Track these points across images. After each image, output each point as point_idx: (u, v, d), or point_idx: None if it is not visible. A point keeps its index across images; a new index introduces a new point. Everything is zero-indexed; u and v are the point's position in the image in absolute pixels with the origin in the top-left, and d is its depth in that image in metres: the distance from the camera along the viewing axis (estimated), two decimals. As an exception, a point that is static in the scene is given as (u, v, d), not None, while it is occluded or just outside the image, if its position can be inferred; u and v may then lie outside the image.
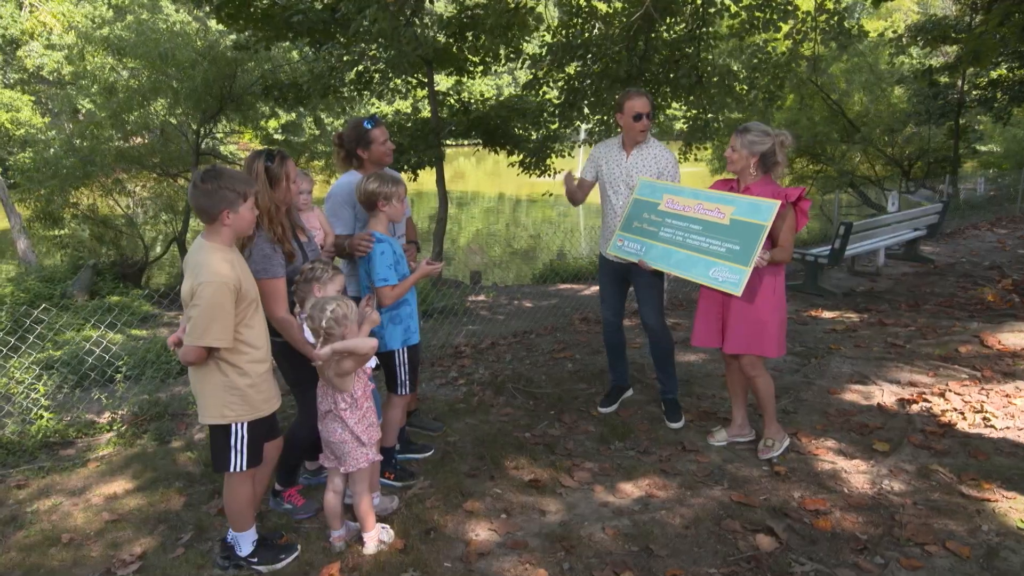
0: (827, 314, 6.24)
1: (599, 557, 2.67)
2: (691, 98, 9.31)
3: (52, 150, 9.87)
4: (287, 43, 8.37)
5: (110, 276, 9.35)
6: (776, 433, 3.50)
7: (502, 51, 9.02)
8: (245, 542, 2.69)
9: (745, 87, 8.69)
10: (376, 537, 2.77)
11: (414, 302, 3.26)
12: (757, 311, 3.23)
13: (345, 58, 7.54)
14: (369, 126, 3.29)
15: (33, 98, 23.10)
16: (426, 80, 8.91)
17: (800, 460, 3.39)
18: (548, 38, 8.65)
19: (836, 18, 7.35)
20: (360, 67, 8.69)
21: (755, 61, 8.33)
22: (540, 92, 8.71)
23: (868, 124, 14.81)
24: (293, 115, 19.08)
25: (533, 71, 8.44)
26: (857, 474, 3.22)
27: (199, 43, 9.59)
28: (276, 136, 17.18)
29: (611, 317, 4.06)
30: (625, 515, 2.97)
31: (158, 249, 11.30)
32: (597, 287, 4.12)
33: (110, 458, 3.79)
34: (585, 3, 8.54)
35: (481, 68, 9.40)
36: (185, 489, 3.38)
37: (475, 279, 10.03)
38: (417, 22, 6.85)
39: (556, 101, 8.36)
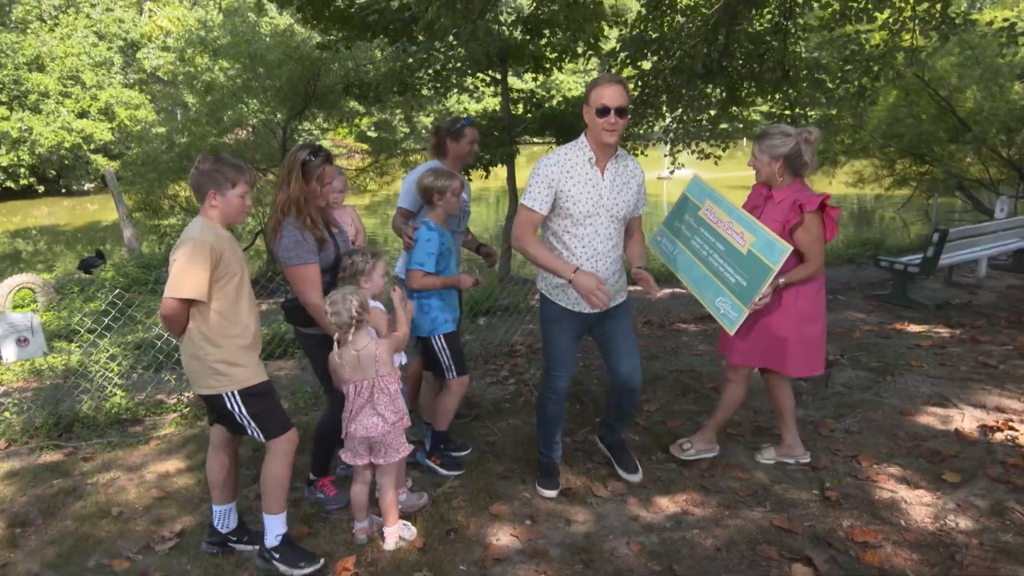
0: (914, 327, 5.76)
1: (618, 574, 2.55)
2: (777, 95, 8.84)
3: (165, 145, 10.60)
4: (367, 42, 8.58)
5: (200, 265, 9.94)
6: (701, 443, 3.41)
7: (579, 48, 8.88)
8: (272, 531, 2.64)
9: (836, 82, 8.15)
10: (396, 533, 2.77)
11: (452, 300, 3.35)
12: (774, 327, 3.05)
13: (417, 56, 7.64)
14: (465, 123, 3.58)
15: (150, 97, 24.95)
16: (499, 77, 8.92)
17: (856, 486, 3.13)
18: (627, 32, 8.44)
19: (939, 5, 6.75)
20: (437, 65, 8.79)
21: (846, 53, 7.79)
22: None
23: (981, 123, 13.55)
24: (386, 114, 19.61)
25: (607, 67, 8.26)
26: (919, 506, 2.93)
27: (290, 43, 10.02)
28: (370, 133, 17.69)
29: (564, 384, 3.06)
30: (654, 531, 2.83)
31: (258, 241, 11.86)
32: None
33: (170, 437, 4.00)
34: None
35: (556, 64, 9.29)
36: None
37: (544, 278, 9.95)
38: (489, 18, 6.86)
39: (632, 96, 8.13)
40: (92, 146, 23.04)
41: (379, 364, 2.67)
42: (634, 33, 8.22)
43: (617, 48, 7.84)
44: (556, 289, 2.96)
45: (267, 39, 9.92)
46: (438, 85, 9.23)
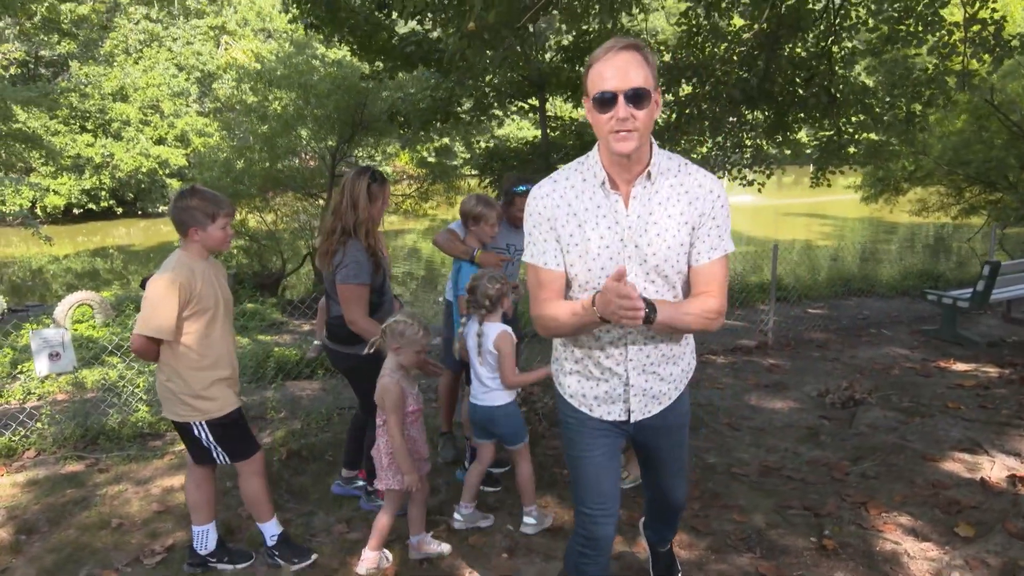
0: (960, 366, 5.42)
1: (584, 615, 2.46)
2: (826, 121, 8.58)
3: (223, 171, 11.13)
4: (407, 72, 8.84)
5: (250, 285, 10.33)
6: (637, 468, 3.31)
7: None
8: (267, 533, 2.85)
9: (884, 106, 7.86)
10: (374, 560, 2.77)
11: None
12: None
13: (446, 86, 7.83)
14: (518, 192, 3.56)
15: (221, 124, 26.29)
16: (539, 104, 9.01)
17: (858, 535, 2.94)
18: (667, 58, 8.39)
19: (992, 27, 6.44)
20: (478, 93, 8.95)
21: (894, 78, 7.51)
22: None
23: (1057, 148, 12.77)
24: (445, 139, 20.01)
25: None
26: (922, 560, 2.73)
27: (338, 74, 10.41)
28: (430, 159, 18.10)
29: (604, 528, 2.02)
30: (633, 571, 2.73)
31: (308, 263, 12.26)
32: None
33: (183, 454, 4.10)
34: (706, 22, 8.21)
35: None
36: (232, 490, 3.60)
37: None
38: (521, 49, 6.97)
39: (668, 121, 8.04)
40: (167, 171, 24.38)
41: (375, 394, 2.73)
42: (677, 57, 8.17)
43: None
44: (570, 378, 1.99)
45: (321, 70, 10.35)
46: (478, 112, 9.40)
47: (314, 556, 2.88)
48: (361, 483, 3.28)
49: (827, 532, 2.96)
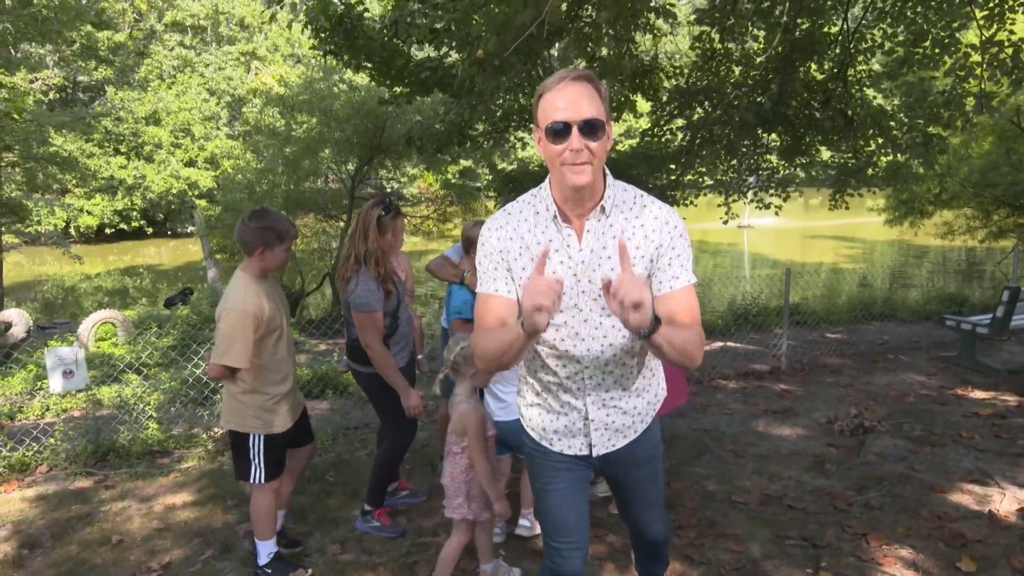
0: (978, 394, 5.28)
1: (567, 643, 2.44)
2: (846, 144, 8.51)
3: (246, 193, 11.38)
4: (424, 97, 8.99)
5: (269, 304, 10.49)
6: None
7: (636, 99, 8.93)
8: (264, 551, 2.92)
9: (903, 129, 7.78)
10: None
11: None
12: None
13: (457, 111, 7.92)
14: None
15: (250, 148, 26.92)
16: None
17: (856, 567, 2.87)
18: (679, 82, 8.43)
19: (1010, 49, 6.35)
20: (494, 118, 9.06)
21: (909, 100, 7.43)
22: (662, 138, 8.47)
23: (1087, 170, 12.47)
24: (468, 161, 20.19)
25: (656, 116, 8.24)
26: (920, 595, 2.65)
27: (356, 98, 10.62)
28: (453, 180, 18.29)
29: (573, 564, 1.96)
30: (621, 601, 2.70)
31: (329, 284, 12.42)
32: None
33: (189, 471, 4.20)
34: (721, 46, 8.24)
35: (615, 116, 9.38)
36: (232, 508, 3.65)
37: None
38: (536, 74, 7.05)
39: (682, 145, 8.05)
40: (197, 192, 24.98)
41: (452, 422, 2.66)
42: (690, 81, 8.20)
43: (665, 100, 7.83)
44: (531, 410, 1.97)
45: (341, 97, 10.57)
46: (495, 135, 9.50)
47: (310, 572, 2.96)
48: (376, 523, 3.31)
49: (824, 564, 2.90)
